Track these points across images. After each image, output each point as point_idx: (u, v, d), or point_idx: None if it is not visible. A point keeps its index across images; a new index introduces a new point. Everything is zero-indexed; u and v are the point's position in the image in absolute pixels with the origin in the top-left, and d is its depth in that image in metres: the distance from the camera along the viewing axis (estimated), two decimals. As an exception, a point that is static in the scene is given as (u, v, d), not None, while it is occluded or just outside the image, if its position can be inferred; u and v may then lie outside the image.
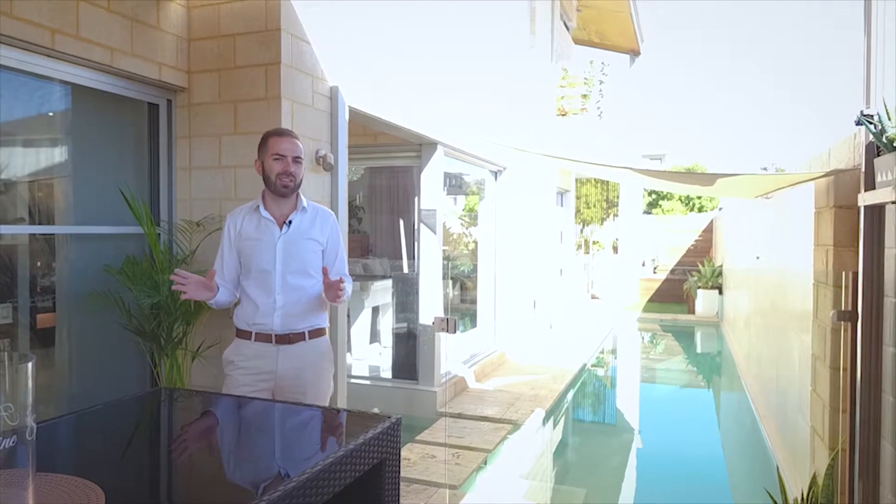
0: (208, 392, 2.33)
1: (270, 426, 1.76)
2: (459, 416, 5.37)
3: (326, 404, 2.75)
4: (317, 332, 2.67)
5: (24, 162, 3.26)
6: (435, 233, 5.67)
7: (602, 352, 9.70)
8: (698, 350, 11.17)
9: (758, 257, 6.57)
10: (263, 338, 2.60)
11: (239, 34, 3.60)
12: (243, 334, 2.63)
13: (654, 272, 15.90)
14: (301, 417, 1.80)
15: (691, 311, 13.36)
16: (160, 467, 1.49)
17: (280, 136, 2.63)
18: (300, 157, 2.62)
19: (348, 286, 2.74)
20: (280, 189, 2.59)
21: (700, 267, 13.34)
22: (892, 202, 2.24)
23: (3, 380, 1.01)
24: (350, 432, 1.56)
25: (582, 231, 16.73)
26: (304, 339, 2.63)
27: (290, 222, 2.64)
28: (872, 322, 2.54)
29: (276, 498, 1.15)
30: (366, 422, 1.57)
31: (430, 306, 5.70)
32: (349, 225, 5.41)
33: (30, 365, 1.03)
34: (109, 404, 1.80)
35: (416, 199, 5.98)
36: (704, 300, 12.81)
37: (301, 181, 2.65)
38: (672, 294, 14.97)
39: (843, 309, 2.74)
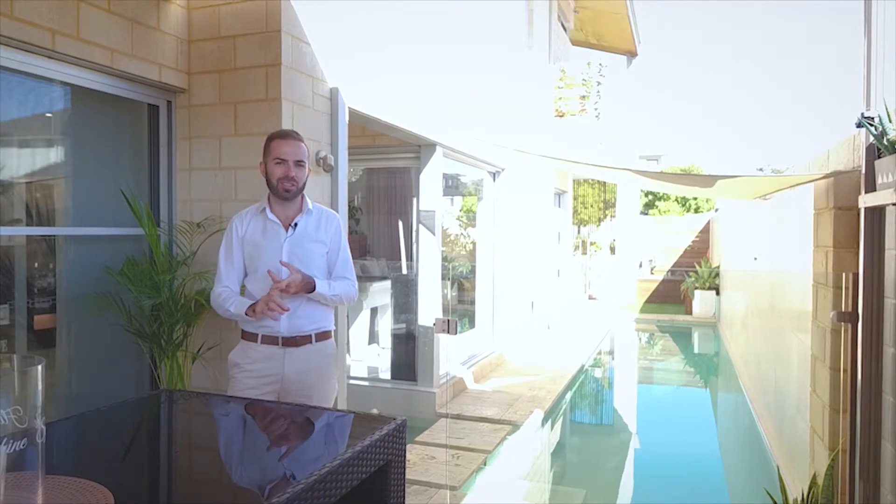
0: (211, 394, 2.33)
1: (276, 428, 1.76)
2: (459, 416, 5.37)
3: (331, 406, 2.75)
4: (323, 335, 2.67)
5: (24, 163, 3.25)
6: (434, 234, 5.67)
7: (600, 353, 9.72)
8: (696, 351, 11.19)
9: (756, 258, 6.59)
10: (270, 340, 2.59)
11: (239, 35, 3.59)
12: (249, 336, 2.63)
13: (652, 273, 15.94)
14: (307, 419, 1.80)
15: (688, 311, 13.39)
16: (166, 470, 1.49)
17: (282, 139, 2.61)
18: (303, 161, 2.61)
19: (351, 288, 2.73)
20: (282, 193, 2.59)
21: (697, 268, 13.37)
22: (893, 204, 2.25)
23: (12, 382, 1.01)
24: (356, 434, 1.56)
25: (579, 232, 16.77)
26: (311, 342, 2.62)
27: (295, 225, 2.63)
28: (873, 323, 2.55)
29: (284, 500, 1.15)
30: (372, 424, 1.57)
31: (429, 307, 5.70)
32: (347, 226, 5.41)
33: (39, 368, 1.03)
34: (112, 407, 1.80)
35: (415, 200, 5.98)
36: (702, 301, 12.84)
37: (304, 184, 2.64)
38: (669, 295, 15.01)
39: (843, 310, 2.75)
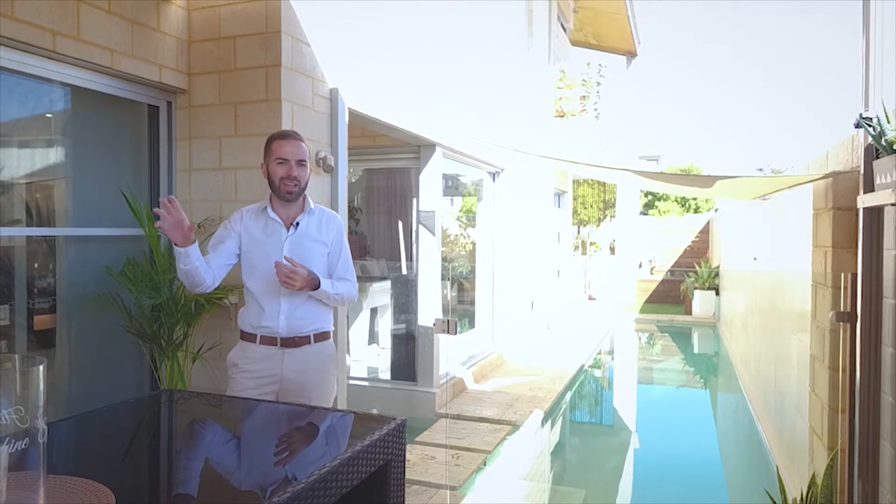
0: (212, 394, 2.33)
1: (276, 428, 1.76)
2: (458, 417, 5.38)
3: (331, 407, 2.75)
4: (322, 336, 2.67)
5: (24, 163, 3.25)
6: (434, 234, 5.67)
7: (599, 353, 9.72)
8: (695, 351, 11.20)
9: (755, 258, 6.60)
10: (268, 341, 2.59)
11: (239, 36, 3.60)
12: (248, 337, 2.63)
13: (651, 273, 15.94)
14: (307, 419, 1.80)
15: (688, 311, 13.40)
16: (167, 469, 1.49)
17: (283, 139, 2.61)
18: (304, 161, 2.61)
19: (352, 289, 2.73)
20: (284, 194, 2.59)
21: (697, 268, 13.38)
22: (891, 204, 2.26)
23: (13, 383, 1.02)
24: (356, 434, 1.56)
25: (579, 232, 16.77)
26: (310, 343, 2.62)
27: (297, 224, 2.64)
28: (871, 323, 2.56)
29: (285, 500, 1.15)
30: (372, 424, 1.58)
31: (429, 307, 5.71)
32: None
33: (40, 368, 1.04)
34: (113, 407, 1.81)
35: (415, 200, 5.99)
36: (701, 301, 12.85)
37: (306, 184, 2.64)
38: (669, 295, 15.02)
39: (841, 310, 2.76)
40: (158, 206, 2.43)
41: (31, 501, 1.01)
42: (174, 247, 2.42)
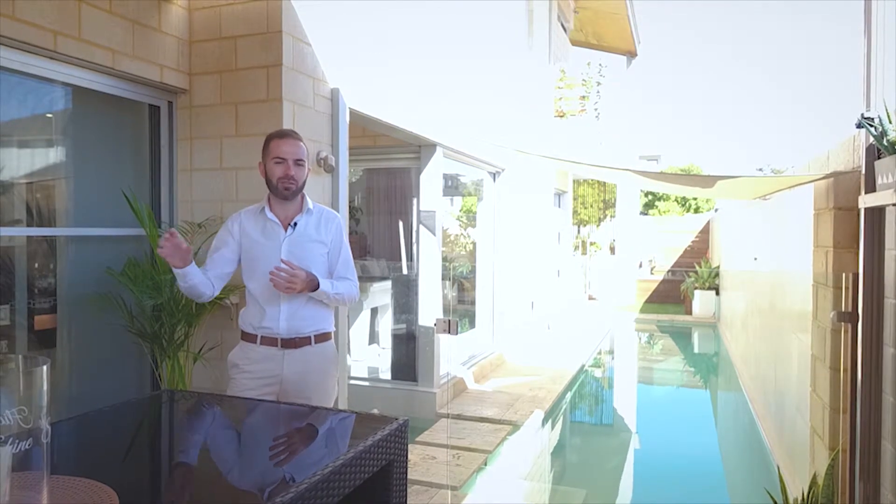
0: (213, 394, 2.33)
1: (278, 428, 1.76)
2: (459, 417, 5.38)
3: (332, 407, 2.75)
4: (323, 337, 2.66)
5: (25, 163, 3.25)
6: (434, 234, 5.67)
7: (600, 353, 9.72)
8: (696, 351, 11.20)
9: (756, 258, 6.60)
10: (269, 341, 2.58)
11: (240, 36, 3.60)
12: (248, 337, 2.62)
13: (651, 273, 15.94)
14: (310, 420, 1.80)
15: (688, 311, 13.40)
16: (169, 470, 1.49)
17: (281, 138, 2.60)
18: (302, 160, 2.60)
19: (353, 288, 2.73)
20: (282, 193, 2.58)
21: (697, 268, 13.38)
22: (893, 204, 2.26)
23: (17, 383, 1.02)
24: (359, 434, 1.56)
25: (579, 232, 16.77)
26: (310, 344, 2.61)
27: (294, 224, 2.63)
28: (873, 323, 2.56)
29: (288, 500, 1.16)
30: (374, 424, 1.58)
31: (430, 307, 5.70)
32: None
33: (44, 368, 1.04)
34: (115, 407, 1.81)
35: (415, 200, 5.99)
36: (701, 301, 12.85)
37: (304, 183, 2.64)
38: (669, 295, 15.02)
39: (843, 310, 2.76)
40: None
41: (34, 502, 1.01)
42: (173, 268, 2.48)
